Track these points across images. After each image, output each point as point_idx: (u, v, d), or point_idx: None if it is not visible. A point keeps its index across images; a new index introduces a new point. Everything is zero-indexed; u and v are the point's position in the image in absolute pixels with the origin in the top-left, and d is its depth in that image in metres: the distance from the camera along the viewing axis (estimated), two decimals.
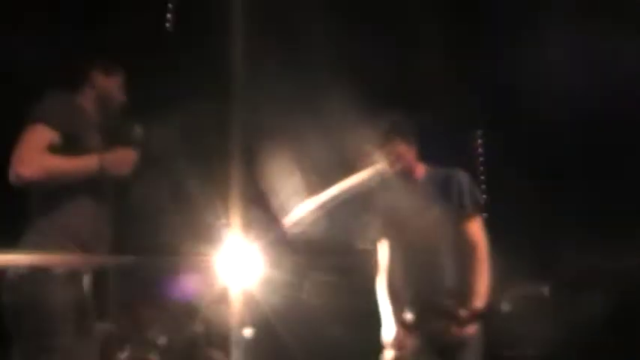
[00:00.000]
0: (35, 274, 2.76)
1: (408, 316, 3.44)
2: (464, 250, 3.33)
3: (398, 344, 3.39)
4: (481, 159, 5.33)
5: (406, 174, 3.52)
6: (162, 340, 4.62)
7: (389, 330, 3.45)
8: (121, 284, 4.78)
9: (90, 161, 2.89)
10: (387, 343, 3.46)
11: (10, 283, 2.80)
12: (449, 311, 3.24)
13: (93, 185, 2.92)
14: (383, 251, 3.59)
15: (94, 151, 2.93)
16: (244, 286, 4.67)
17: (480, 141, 5.24)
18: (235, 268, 4.43)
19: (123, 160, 2.98)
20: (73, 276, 2.86)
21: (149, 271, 4.82)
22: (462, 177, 3.44)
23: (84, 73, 3.12)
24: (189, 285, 4.86)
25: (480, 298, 3.24)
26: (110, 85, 3.14)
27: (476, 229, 3.36)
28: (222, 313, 4.50)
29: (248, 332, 4.77)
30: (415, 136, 3.58)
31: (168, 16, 4.98)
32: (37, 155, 2.77)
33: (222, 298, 4.42)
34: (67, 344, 2.76)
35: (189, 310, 4.80)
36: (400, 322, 3.43)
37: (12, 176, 2.76)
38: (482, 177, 5.34)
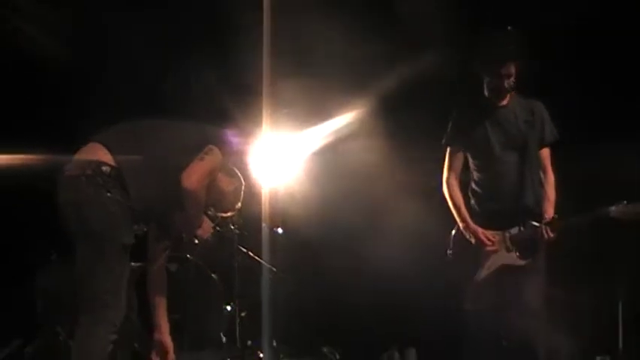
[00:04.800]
0: (97, 176, 2.82)
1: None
2: (538, 172, 3.76)
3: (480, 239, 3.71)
4: None
5: (499, 97, 3.74)
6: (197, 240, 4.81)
7: (463, 225, 3.78)
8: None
9: None
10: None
11: (72, 182, 2.86)
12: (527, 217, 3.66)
13: None
14: (454, 158, 3.87)
15: None
16: (276, 185, 4.87)
17: None
18: (267, 167, 4.62)
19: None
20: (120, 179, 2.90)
21: None
22: (544, 110, 3.81)
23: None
24: None
25: (549, 212, 3.67)
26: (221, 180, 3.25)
27: (548, 157, 3.80)
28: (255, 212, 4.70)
29: (279, 230, 5.00)
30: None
31: None
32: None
33: (256, 197, 4.62)
34: (122, 246, 2.87)
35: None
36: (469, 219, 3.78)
37: None
38: None
